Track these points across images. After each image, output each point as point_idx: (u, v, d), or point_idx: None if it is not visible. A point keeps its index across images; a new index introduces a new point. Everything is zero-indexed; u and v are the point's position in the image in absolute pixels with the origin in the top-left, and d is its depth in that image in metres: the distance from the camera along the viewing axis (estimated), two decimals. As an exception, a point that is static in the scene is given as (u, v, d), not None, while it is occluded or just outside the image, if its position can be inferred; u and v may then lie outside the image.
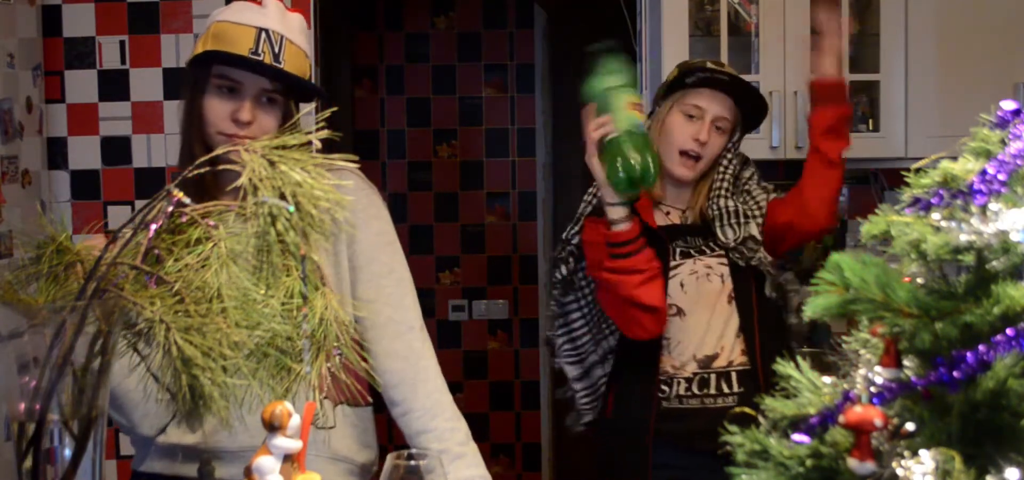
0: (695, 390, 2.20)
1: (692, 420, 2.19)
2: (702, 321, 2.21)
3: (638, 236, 2.08)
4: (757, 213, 2.27)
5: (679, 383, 2.21)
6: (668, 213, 2.30)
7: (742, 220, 2.25)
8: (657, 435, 2.22)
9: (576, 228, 2.28)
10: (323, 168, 1.68)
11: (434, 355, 1.69)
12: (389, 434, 2.43)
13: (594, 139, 2.02)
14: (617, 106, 2.02)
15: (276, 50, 1.61)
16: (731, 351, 2.21)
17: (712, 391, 2.20)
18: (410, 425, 1.65)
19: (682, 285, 2.22)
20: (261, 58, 1.59)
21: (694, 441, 2.17)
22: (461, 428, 1.65)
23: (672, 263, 2.23)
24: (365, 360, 1.68)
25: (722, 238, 2.23)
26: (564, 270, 2.32)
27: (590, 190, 2.31)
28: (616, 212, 2.06)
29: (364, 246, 1.68)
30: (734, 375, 2.21)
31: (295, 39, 1.64)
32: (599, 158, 2.02)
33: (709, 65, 2.26)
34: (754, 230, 2.24)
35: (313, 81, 1.73)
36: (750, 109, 2.30)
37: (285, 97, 1.64)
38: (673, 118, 2.23)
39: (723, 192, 2.27)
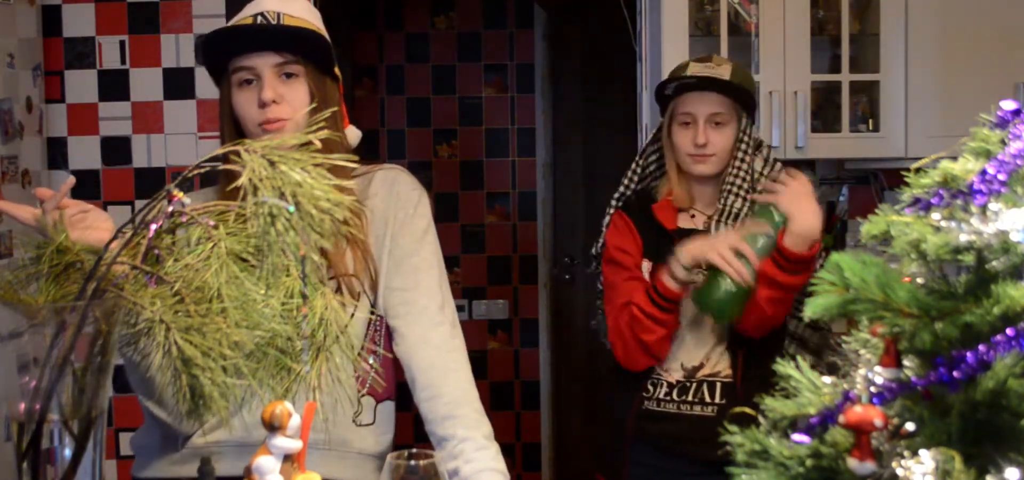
0: (675, 396, 2.23)
1: (670, 424, 2.22)
2: (694, 332, 2.24)
3: (680, 301, 2.17)
4: None
5: (662, 387, 2.25)
6: (693, 216, 2.31)
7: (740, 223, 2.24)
8: (637, 434, 2.26)
9: (602, 240, 2.36)
10: (375, 166, 1.72)
11: (466, 353, 1.70)
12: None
13: (723, 256, 2.07)
14: (752, 258, 2.09)
15: (273, 23, 1.63)
16: (717, 363, 2.23)
17: (690, 398, 2.22)
18: (436, 410, 1.64)
19: None
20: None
21: (673, 445, 2.22)
22: (486, 424, 1.66)
23: None
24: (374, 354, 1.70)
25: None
26: None
27: (618, 193, 2.38)
28: (679, 272, 2.13)
29: (408, 240, 1.69)
30: (718, 386, 2.21)
31: (295, 13, 1.65)
32: (705, 269, 2.11)
33: (688, 66, 2.28)
34: None
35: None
36: (741, 98, 2.27)
37: (304, 67, 1.64)
38: (675, 130, 2.27)
39: (736, 188, 2.26)
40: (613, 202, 2.39)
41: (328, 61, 1.69)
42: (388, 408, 1.75)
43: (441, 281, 1.72)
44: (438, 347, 1.67)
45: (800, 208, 2.06)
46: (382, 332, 1.71)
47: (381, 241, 1.69)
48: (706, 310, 2.14)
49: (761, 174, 2.26)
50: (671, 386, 2.23)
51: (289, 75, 1.64)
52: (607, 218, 2.37)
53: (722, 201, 2.25)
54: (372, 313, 1.68)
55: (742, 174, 2.26)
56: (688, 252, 2.11)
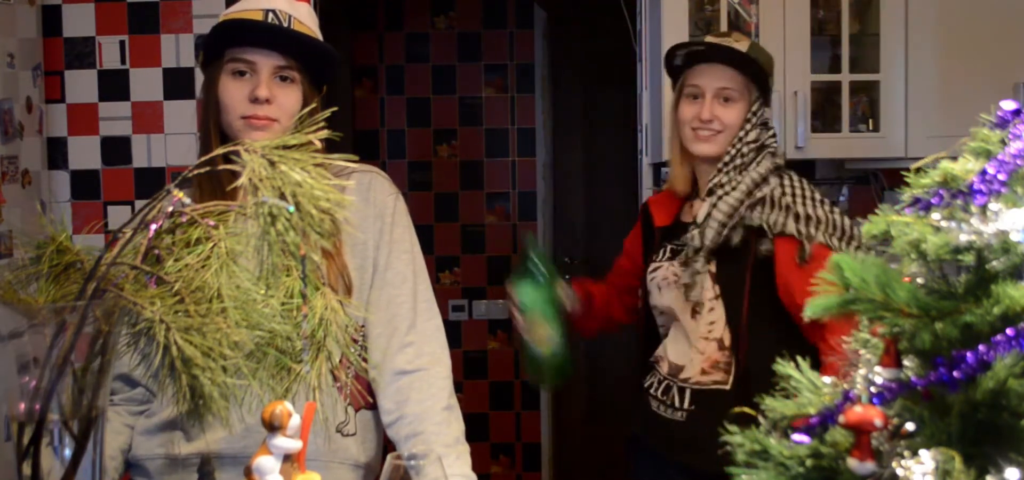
0: (660, 395, 2.17)
1: (654, 423, 2.17)
2: (679, 327, 2.15)
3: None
4: (765, 230, 2.07)
5: (654, 382, 2.19)
6: (694, 207, 2.20)
7: (717, 225, 2.09)
8: (633, 438, 2.25)
9: None
10: (348, 165, 1.69)
11: (436, 364, 1.67)
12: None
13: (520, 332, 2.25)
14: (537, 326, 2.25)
15: (285, 24, 1.63)
16: (698, 365, 2.10)
17: (668, 400, 2.14)
18: (400, 432, 1.65)
19: (659, 287, 2.18)
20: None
21: (655, 445, 2.18)
22: (452, 428, 1.64)
23: (654, 263, 2.21)
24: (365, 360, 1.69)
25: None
26: None
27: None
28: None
29: (383, 254, 1.68)
30: (688, 392, 2.11)
31: (303, 20, 1.65)
32: (521, 350, 2.26)
33: (698, 40, 2.21)
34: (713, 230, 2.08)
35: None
36: (756, 73, 2.16)
37: (301, 74, 1.64)
38: (681, 104, 2.19)
39: (728, 166, 2.10)
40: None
41: (324, 76, 1.68)
42: (367, 417, 1.72)
43: (414, 295, 1.69)
44: (400, 372, 1.66)
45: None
46: (360, 341, 1.69)
47: (356, 249, 1.67)
48: (531, 379, 2.28)
49: (764, 179, 2.10)
50: (659, 383, 2.17)
51: (285, 79, 1.63)
52: None
53: (713, 179, 2.12)
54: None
55: (741, 154, 2.11)
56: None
